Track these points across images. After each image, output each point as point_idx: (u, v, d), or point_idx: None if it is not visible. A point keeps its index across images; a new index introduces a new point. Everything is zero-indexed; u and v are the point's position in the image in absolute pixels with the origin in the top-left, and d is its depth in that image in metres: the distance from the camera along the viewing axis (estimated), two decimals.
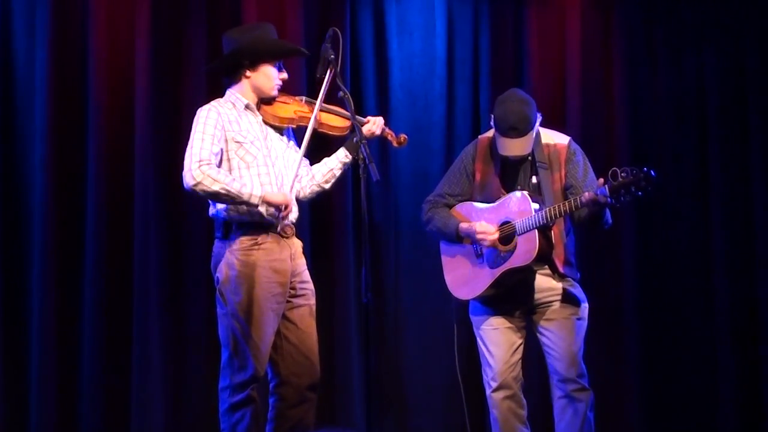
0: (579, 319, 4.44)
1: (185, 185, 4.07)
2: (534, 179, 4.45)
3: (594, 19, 6.06)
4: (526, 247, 4.33)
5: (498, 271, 4.41)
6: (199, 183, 4.02)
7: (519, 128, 4.31)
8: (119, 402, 5.41)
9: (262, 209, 4.11)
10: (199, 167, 4.03)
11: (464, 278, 4.53)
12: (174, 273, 5.52)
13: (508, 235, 4.38)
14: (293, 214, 4.26)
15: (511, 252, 4.38)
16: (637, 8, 6.10)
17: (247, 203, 4.08)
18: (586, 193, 4.20)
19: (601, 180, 4.19)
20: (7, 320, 5.34)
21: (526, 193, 4.38)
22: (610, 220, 4.38)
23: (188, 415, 5.49)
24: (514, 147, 4.34)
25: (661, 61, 6.08)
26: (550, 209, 4.28)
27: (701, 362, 5.96)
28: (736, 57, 6.07)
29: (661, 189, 5.91)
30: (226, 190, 4.03)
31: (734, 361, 5.94)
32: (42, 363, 5.32)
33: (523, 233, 4.33)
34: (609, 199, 4.14)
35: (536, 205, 4.32)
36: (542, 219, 4.29)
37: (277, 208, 4.12)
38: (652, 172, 4.07)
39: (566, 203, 4.27)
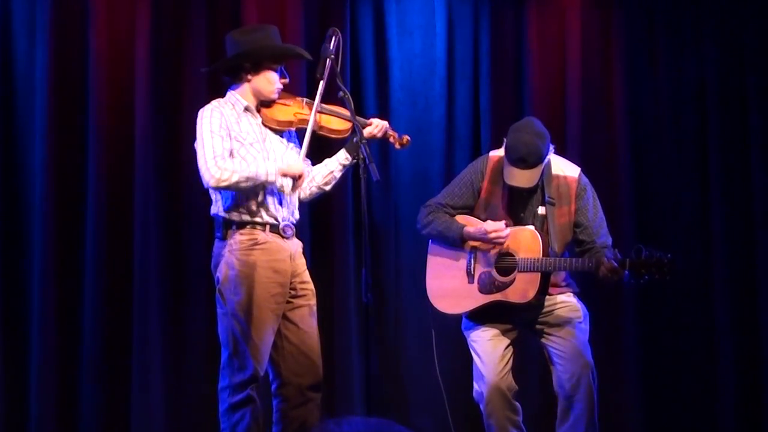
0: (580, 322, 4.45)
1: (205, 185, 4.09)
2: (540, 210, 4.43)
3: (594, 19, 6.05)
4: (525, 287, 4.32)
5: (488, 299, 4.40)
6: (219, 179, 4.05)
7: (528, 161, 4.29)
8: (119, 402, 5.41)
9: (279, 182, 4.15)
10: (216, 163, 4.06)
11: (449, 291, 4.50)
12: (174, 273, 5.52)
13: (507, 267, 4.37)
14: (294, 215, 4.26)
15: (507, 285, 4.36)
16: (637, 8, 6.09)
17: (267, 182, 4.11)
18: (605, 263, 4.20)
19: (616, 263, 4.19)
20: (7, 320, 5.34)
21: (537, 232, 4.36)
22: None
23: (188, 415, 5.49)
24: (520, 178, 4.31)
25: (661, 60, 6.08)
26: (559, 260, 4.28)
27: (701, 364, 5.95)
28: (736, 56, 6.06)
29: (661, 184, 5.99)
30: (245, 177, 4.06)
31: (734, 362, 5.93)
32: (42, 363, 5.32)
33: (524, 272, 4.32)
34: (626, 272, 4.17)
35: (543, 248, 4.31)
36: (549, 267, 4.29)
37: (293, 177, 4.14)
38: (675, 264, 4.11)
39: (579, 261, 4.29)
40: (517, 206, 4.44)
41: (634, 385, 5.89)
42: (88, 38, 5.47)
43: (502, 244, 4.37)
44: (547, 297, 4.43)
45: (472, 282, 4.43)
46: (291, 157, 4.26)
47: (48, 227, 5.35)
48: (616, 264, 4.19)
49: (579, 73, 5.97)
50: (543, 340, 4.46)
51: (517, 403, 4.46)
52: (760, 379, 5.91)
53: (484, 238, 4.39)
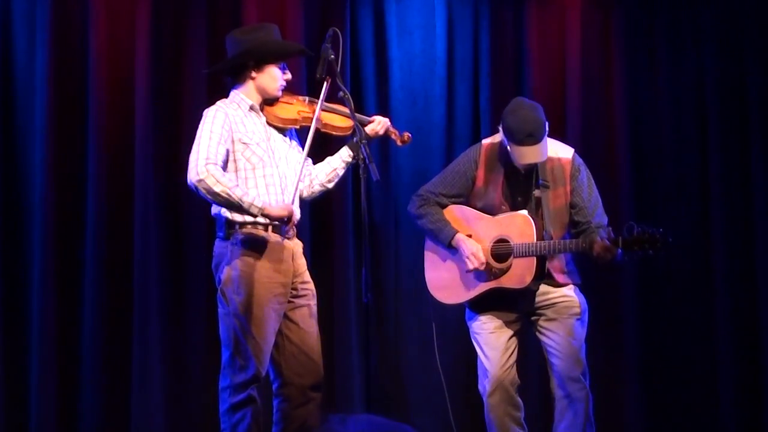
0: (579, 318, 4.44)
1: (188, 181, 4.06)
2: (536, 193, 4.43)
3: (594, 19, 6.05)
4: (521, 272, 4.32)
5: (486, 286, 4.40)
6: (202, 180, 4.01)
7: (535, 135, 4.28)
8: (119, 402, 5.41)
9: (260, 220, 4.11)
10: (206, 165, 4.03)
11: (448, 281, 4.51)
12: (174, 273, 5.52)
13: (503, 253, 4.38)
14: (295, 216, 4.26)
15: (504, 271, 4.37)
16: (637, 8, 6.10)
17: (246, 212, 4.07)
18: (598, 242, 4.21)
19: (608, 241, 4.20)
20: (7, 320, 5.34)
21: (530, 217, 4.36)
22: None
23: (188, 416, 5.49)
24: (532, 154, 4.31)
25: (661, 61, 6.08)
26: (553, 243, 4.28)
27: (701, 362, 5.95)
28: (736, 57, 6.07)
29: (661, 184, 5.99)
30: (227, 194, 4.02)
31: (734, 361, 5.93)
32: (42, 363, 5.32)
33: (519, 257, 4.33)
34: (619, 250, 4.17)
35: (536, 232, 4.31)
36: (544, 250, 4.29)
37: (279, 220, 4.11)
38: (669, 238, 4.09)
39: (573, 243, 4.29)
40: (513, 191, 4.45)
41: (634, 385, 5.89)
42: (88, 38, 5.47)
43: (469, 268, 4.39)
44: (550, 287, 4.42)
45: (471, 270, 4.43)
46: (293, 170, 4.22)
47: (48, 227, 5.35)
48: (608, 242, 4.19)
49: (579, 73, 5.97)
50: (541, 337, 4.46)
51: (520, 400, 4.46)
52: (761, 379, 5.91)
53: (462, 254, 4.41)
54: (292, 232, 4.24)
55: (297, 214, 4.19)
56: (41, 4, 5.42)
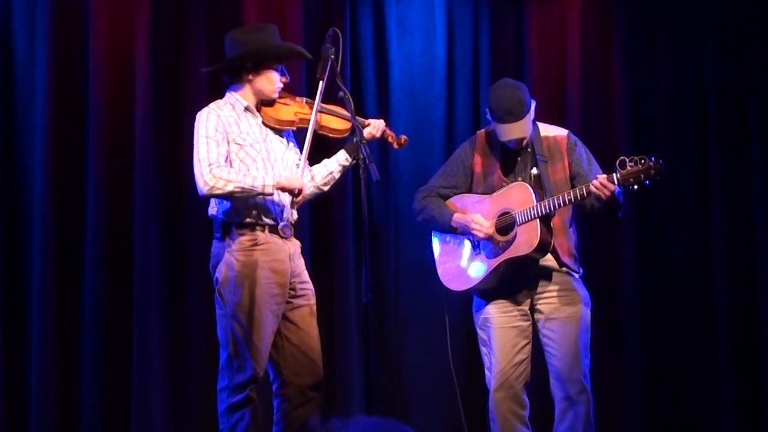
0: (582, 317, 4.43)
1: (199, 192, 4.09)
2: (534, 170, 4.46)
3: (594, 19, 6.06)
4: (527, 237, 4.32)
5: (495, 261, 4.39)
6: (212, 187, 4.05)
7: (515, 111, 4.33)
8: (119, 402, 5.42)
9: (276, 197, 4.14)
10: (210, 171, 4.06)
11: (459, 269, 4.51)
12: (174, 273, 5.52)
13: (506, 225, 4.38)
14: (293, 215, 4.26)
15: (510, 242, 4.36)
16: (637, 8, 6.10)
17: (263, 194, 4.10)
18: (594, 181, 4.19)
19: (604, 176, 4.20)
20: (7, 320, 5.34)
21: (524, 183, 4.38)
22: (623, 209, 4.37)
23: (188, 415, 5.49)
24: (513, 131, 4.36)
25: (661, 61, 6.08)
26: (553, 199, 4.28)
27: (701, 362, 5.95)
28: (736, 56, 6.07)
29: (661, 184, 5.98)
30: (240, 188, 4.06)
31: (734, 361, 5.93)
32: (42, 363, 5.32)
33: (523, 223, 4.33)
34: (618, 188, 4.16)
35: (536, 196, 4.33)
36: (545, 209, 4.28)
37: (291, 192, 4.13)
38: (661, 161, 4.10)
39: (571, 192, 4.27)
40: (511, 171, 4.48)
41: (635, 387, 5.89)
42: (88, 38, 5.47)
43: (480, 236, 4.39)
44: (555, 277, 4.40)
45: (479, 252, 4.44)
46: (291, 170, 4.24)
47: (48, 227, 5.35)
48: (604, 180, 4.17)
49: (579, 73, 5.98)
50: (541, 336, 4.45)
51: (526, 398, 4.44)
52: (761, 379, 5.91)
53: (467, 227, 4.42)
54: (290, 232, 4.24)
55: (293, 211, 4.21)
56: (41, 4, 5.42)
